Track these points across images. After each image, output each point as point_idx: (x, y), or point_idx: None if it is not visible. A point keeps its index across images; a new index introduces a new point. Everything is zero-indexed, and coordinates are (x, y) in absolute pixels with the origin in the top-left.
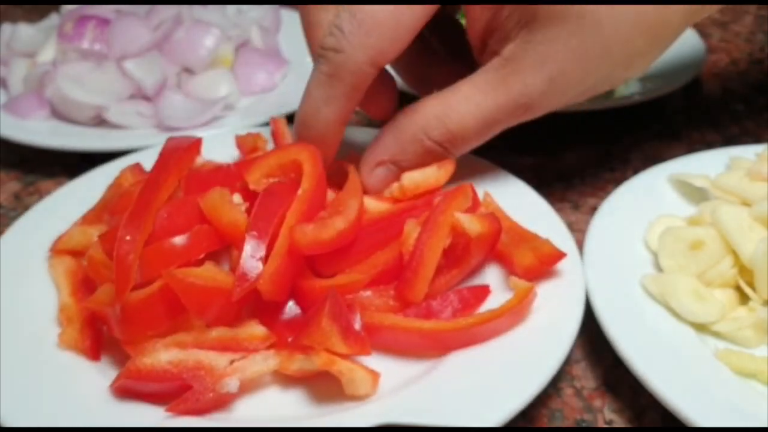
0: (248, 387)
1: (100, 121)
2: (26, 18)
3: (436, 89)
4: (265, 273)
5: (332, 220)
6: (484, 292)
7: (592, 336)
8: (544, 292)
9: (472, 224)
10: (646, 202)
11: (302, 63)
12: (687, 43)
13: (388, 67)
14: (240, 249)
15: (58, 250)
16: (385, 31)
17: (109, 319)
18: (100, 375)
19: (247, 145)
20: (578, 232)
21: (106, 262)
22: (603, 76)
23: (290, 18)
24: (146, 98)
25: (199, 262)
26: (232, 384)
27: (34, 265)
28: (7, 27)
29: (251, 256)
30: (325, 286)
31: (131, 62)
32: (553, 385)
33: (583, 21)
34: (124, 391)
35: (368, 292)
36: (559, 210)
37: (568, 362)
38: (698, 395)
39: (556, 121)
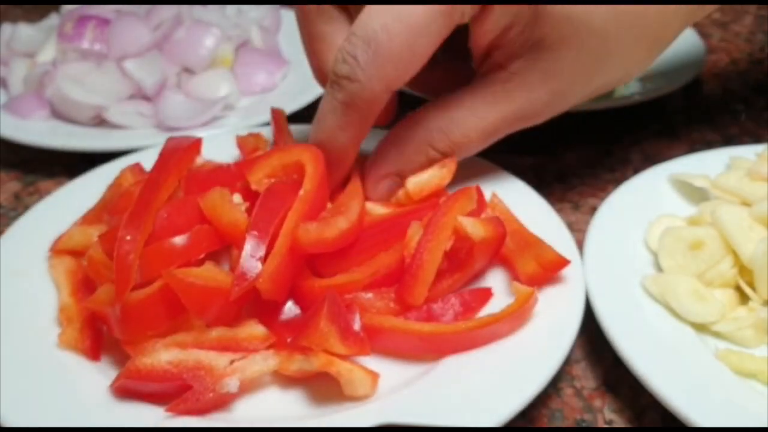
0: (248, 387)
1: (100, 121)
2: (26, 18)
3: (432, 89)
4: (264, 272)
5: (335, 220)
6: (485, 295)
7: (592, 336)
8: (544, 291)
9: (475, 228)
10: (646, 202)
11: (302, 63)
12: (687, 43)
13: None
14: (240, 249)
15: (58, 250)
16: (400, 61)
17: (109, 319)
18: (100, 375)
19: (248, 145)
20: (578, 232)
21: (106, 262)
22: (605, 82)
23: (290, 18)
24: (146, 98)
25: (199, 262)
26: (232, 384)
27: (34, 265)
28: (7, 27)
29: (251, 255)
30: (325, 286)
31: (131, 62)
32: (553, 385)
33: (593, 40)
34: (124, 391)
35: (369, 294)
36: (559, 210)
37: (568, 362)
38: (698, 395)
39: (556, 121)
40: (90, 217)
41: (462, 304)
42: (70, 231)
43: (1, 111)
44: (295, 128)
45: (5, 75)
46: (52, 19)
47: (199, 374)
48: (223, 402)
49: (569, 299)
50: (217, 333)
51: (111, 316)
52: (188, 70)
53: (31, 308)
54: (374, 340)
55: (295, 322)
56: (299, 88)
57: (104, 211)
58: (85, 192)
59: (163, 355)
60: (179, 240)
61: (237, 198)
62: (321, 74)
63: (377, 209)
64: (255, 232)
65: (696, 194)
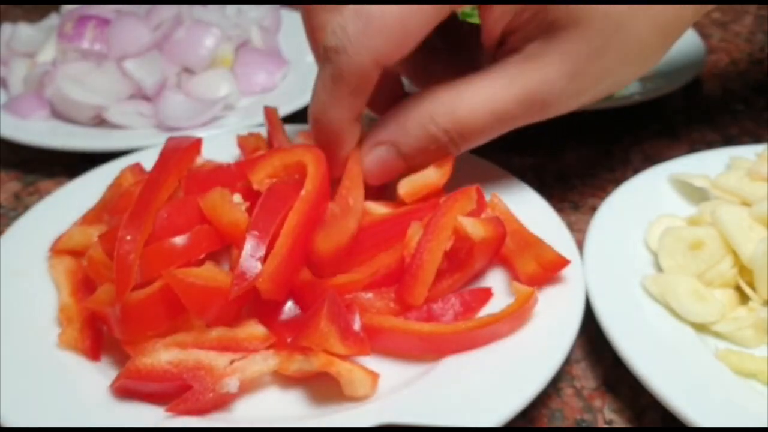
0: (248, 387)
1: (100, 121)
2: (26, 18)
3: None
4: (264, 272)
5: (345, 222)
6: (485, 295)
7: (592, 336)
8: (544, 291)
9: (475, 228)
10: (646, 202)
11: (302, 63)
12: (687, 43)
13: None
14: (240, 249)
15: (58, 250)
16: (390, 35)
17: (109, 319)
18: (100, 375)
19: (248, 145)
20: (578, 232)
21: (106, 262)
22: (619, 76)
23: (290, 18)
24: (146, 98)
25: (200, 262)
26: (232, 384)
27: (34, 265)
28: (7, 27)
29: (251, 255)
30: (325, 286)
31: (131, 62)
32: (553, 385)
33: (607, 22)
34: (124, 391)
35: (369, 294)
36: (559, 210)
37: (568, 362)
38: (698, 395)
39: (556, 121)
40: (90, 217)
41: (462, 304)
42: (70, 231)
43: (1, 111)
44: (295, 128)
45: (5, 75)
46: (52, 19)
47: (199, 374)
48: (223, 402)
49: (569, 299)
50: (217, 333)
51: (111, 316)
52: (188, 70)
53: (31, 308)
54: (374, 340)
55: (295, 322)
56: (299, 88)
57: (104, 211)
58: (85, 192)
59: (163, 355)
60: (179, 240)
61: (237, 198)
62: None
63: (377, 209)
64: (255, 232)
65: (696, 194)
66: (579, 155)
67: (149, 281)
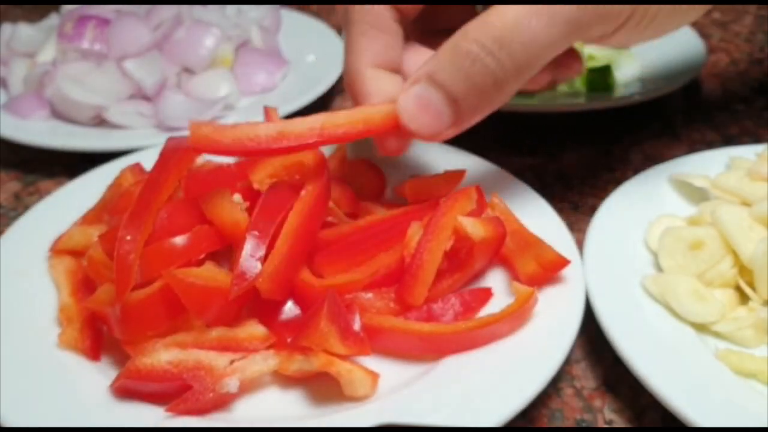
0: (248, 387)
1: (100, 121)
2: (26, 18)
3: None
4: (264, 272)
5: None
6: (486, 295)
7: (592, 336)
8: (544, 291)
9: (475, 228)
10: (646, 202)
11: (302, 63)
12: (687, 43)
13: None
14: (240, 249)
15: (58, 250)
16: None
17: (109, 319)
18: (100, 375)
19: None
20: (578, 232)
21: (106, 262)
22: (675, 16)
23: (290, 18)
24: (146, 98)
25: (200, 262)
26: (232, 384)
27: (34, 265)
28: (7, 27)
29: (250, 255)
30: (325, 286)
31: (131, 62)
32: (553, 385)
33: None
34: (124, 391)
35: (369, 294)
36: (559, 210)
37: (568, 362)
38: (698, 395)
39: (556, 121)
40: (90, 217)
41: (462, 304)
42: (70, 231)
43: (1, 111)
44: None
45: (5, 75)
46: (52, 19)
47: (199, 374)
48: (223, 402)
49: (569, 299)
50: (217, 333)
51: (111, 316)
52: (188, 70)
53: (31, 308)
54: (374, 340)
55: (295, 322)
56: (299, 88)
57: (104, 211)
58: (85, 192)
59: (163, 355)
60: (179, 240)
61: (237, 198)
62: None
63: (377, 209)
64: (255, 232)
65: (696, 194)
66: (579, 155)
67: (149, 281)
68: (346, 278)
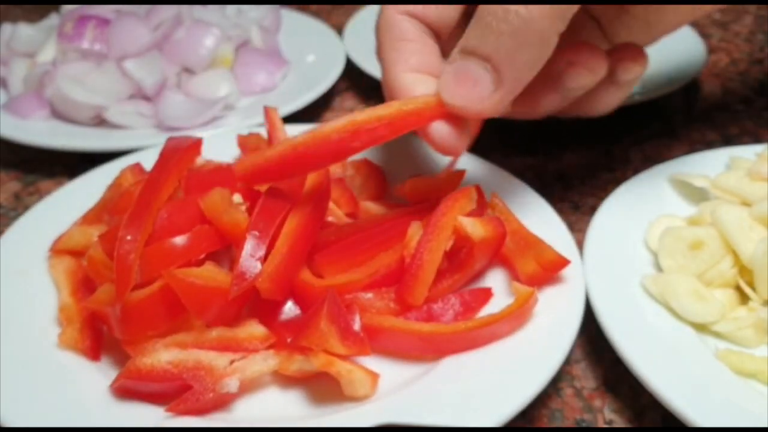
0: (248, 387)
1: (100, 121)
2: (26, 18)
3: None
4: (264, 272)
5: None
6: (486, 295)
7: (592, 336)
8: (544, 291)
9: (475, 228)
10: (646, 202)
11: (302, 63)
12: (687, 43)
13: None
14: (240, 249)
15: (58, 250)
16: None
17: (109, 319)
18: (100, 375)
19: (249, 145)
20: (578, 232)
21: (106, 262)
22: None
23: (290, 18)
24: (146, 98)
25: (200, 262)
26: (232, 384)
27: (34, 265)
28: (7, 27)
29: (251, 255)
30: (325, 286)
31: (131, 62)
32: (553, 385)
33: None
34: (124, 391)
35: (369, 294)
36: (559, 210)
37: (568, 362)
38: (698, 395)
39: (556, 121)
40: (90, 217)
41: (462, 304)
42: (70, 231)
43: (1, 111)
44: (295, 128)
45: (5, 75)
46: (52, 19)
47: (199, 374)
48: (223, 402)
49: (569, 299)
50: (217, 333)
51: (111, 316)
52: (188, 70)
53: (31, 308)
54: (374, 340)
55: (295, 322)
56: (299, 88)
57: (104, 211)
58: (85, 192)
59: (163, 355)
60: (179, 240)
61: (237, 198)
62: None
63: (377, 209)
64: (255, 232)
65: (696, 194)
66: (579, 155)
67: (149, 281)
68: (346, 278)
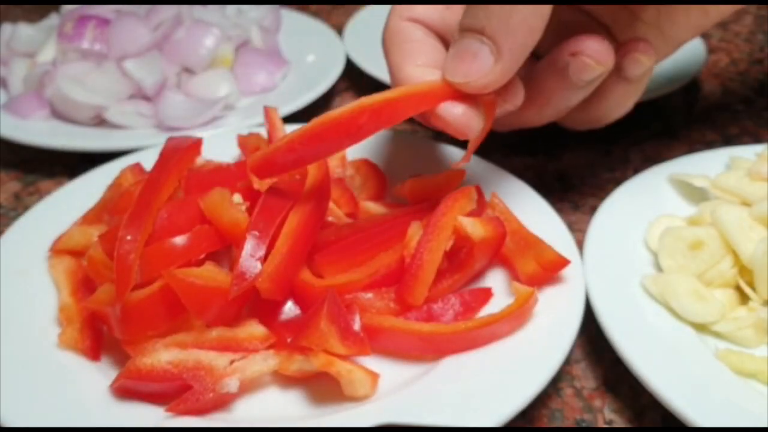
0: (248, 387)
1: (100, 121)
2: (26, 18)
3: None
4: (264, 272)
5: None
6: (486, 295)
7: (592, 336)
8: (544, 291)
9: (475, 228)
10: (646, 202)
11: (302, 63)
12: (687, 43)
13: None
14: (240, 249)
15: (58, 250)
16: None
17: (109, 319)
18: (100, 375)
19: (248, 145)
20: (578, 232)
21: (106, 262)
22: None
23: (290, 18)
24: (146, 98)
25: (200, 262)
26: (232, 384)
27: (34, 265)
28: (7, 27)
29: (251, 255)
30: (325, 286)
31: (131, 62)
32: (553, 385)
33: None
34: (124, 391)
35: (369, 294)
36: (559, 210)
37: (568, 362)
38: (698, 395)
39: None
40: (90, 217)
41: (462, 304)
42: (70, 231)
43: (1, 111)
44: (295, 128)
45: (5, 75)
46: (52, 19)
47: (199, 374)
48: (223, 402)
49: (569, 299)
50: (217, 333)
51: (111, 316)
52: (188, 70)
53: (31, 308)
54: (374, 340)
55: (295, 322)
56: (299, 88)
57: (104, 211)
58: (85, 192)
59: (163, 355)
60: (179, 240)
61: (237, 198)
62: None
63: (377, 209)
64: (255, 232)
65: (696, 194)
66: (579, 155)
67: (149, 281)
68: (346, 278)
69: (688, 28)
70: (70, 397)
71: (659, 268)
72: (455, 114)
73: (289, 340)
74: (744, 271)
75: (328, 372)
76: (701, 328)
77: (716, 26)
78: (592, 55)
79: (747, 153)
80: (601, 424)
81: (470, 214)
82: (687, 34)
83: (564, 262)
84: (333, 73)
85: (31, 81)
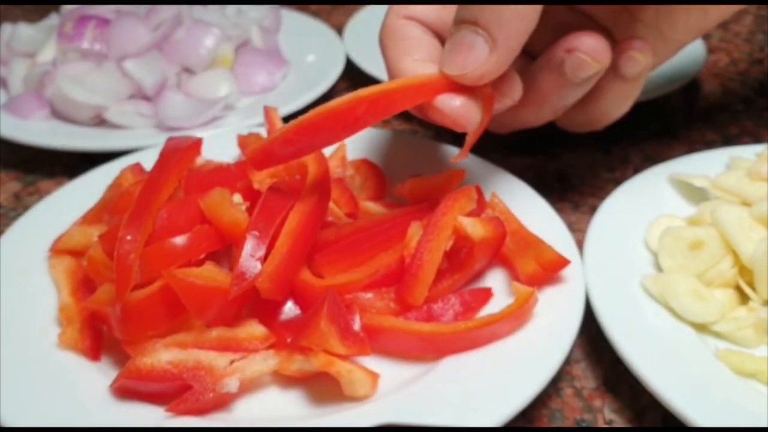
0: (248, 387)
1: (100, 121)
2: (26, 18)
3: None
4: (264, 272)
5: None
6: (486, 295)
7: (592, 336)
8: (544, 291)
9: (475, 228)
10: (646, 202)
11: (302, 63)
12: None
13: None
14: (240, 249)
15: (58, 250)
16: None
17: (109, 319)
18: (100, 375)
19: (248, 145)
20: (578, 232)
21: (106, 262)
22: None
23: (290, 18)
24: (146, 98)
25: (200, 262)
26: (232, 384)
27: (34, 265)
28: (7, 27)
29: (251, 255)
30: (325, 286)
31: (131, 62)
32: (553, 385)
33: None
34: (124, 391)
35: (369, 294)
36: (559, 210)
37: (568, 362)
38: (698, 395)
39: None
40: (90, 217)
41: (462, 304)
42: (70, 231)
43: (1, 111)
44: None
45: (5, 75)
46: (52, 19)
47: (199, 374)
48: (223, 402)
49: (569, 299)
50: (217, 333)
51: (111, 316)
52: (188, 70)
53: (31, 308)
54: (374, 340)
55: (295, 322)
56: (299, 88)
57: (104, 211)
58: (85, 192)
59: (163, 355)
60: (179, 240)
61: (237, 198)
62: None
63: (377, 209)
64: (255, 232)
65: (696, 194)
66: (579, 155)
67: (149, 281)
68: (346, 278)
69: (687, 30)
70: (70, 397)
71: (659, 268)
72: (453, 106)
73: (289, 340)
74: (744, 271)
75: (328, 372)
76: (701, 328)
77: (716, 26)
78: (588, 52)
79: (747, 153)
80: (601, 424)
81: (470, 214)
82: (687, 36)
83: (564, 262)
84: (333, 73)
85: (31, 81)
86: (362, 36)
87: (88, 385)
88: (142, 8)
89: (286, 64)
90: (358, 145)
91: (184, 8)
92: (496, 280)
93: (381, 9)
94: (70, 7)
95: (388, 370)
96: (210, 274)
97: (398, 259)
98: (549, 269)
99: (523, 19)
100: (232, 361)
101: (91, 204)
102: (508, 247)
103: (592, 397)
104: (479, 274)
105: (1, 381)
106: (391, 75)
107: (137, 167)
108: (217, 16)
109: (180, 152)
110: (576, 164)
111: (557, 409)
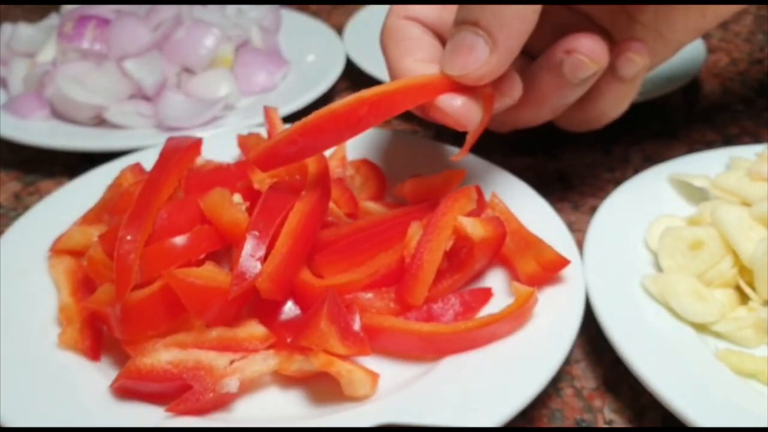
0: (248, 387)
1: (100, 121)
2: (26, 18)
3: None
4: (264, 272)
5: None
6: (486, 295)
7: (592, 336)
8: (544, 291)
9: (475, 228)
10: (646, 202)
11: (302, 63)
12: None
13: None
14: (240, 249)
15: (58, 250)
16: None
17: (109, 319)
18: (100, 375)
19: (248, 145)
20: (578, 232)
21: (106, 262)
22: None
23: (290, 18)
24: (146, 98)
25: (200, 262)
26: (232, 384)
27: (34, 265)
28: (7, 27)
29: (251, 255)
30: (325, 286)
31: (131, 62)
32: (553, 385)
33: None
34: (124, 391)
35: (369, 294)
36: (559, 210)
37: (568, 362)
38: (698, 395)
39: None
40: (90, 217)
41: (462, 304)
42: (70, 231)
43: (1, 111)
44: None
45: (5, 75)
46: (52, 19)
47: (199, 374)
48: (223, 402)
49: (569, 299)
50: (217, 333)
51: (111, 316)
52: (188, 70)
53: (31, 308)
54: (374, 340)
55: (295, 322)
56: (299, 88)
57: (104, 211)
58: (85, 192)
59: (163, 355)
60: (179, 240)
61: (237, 198)
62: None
63: (377, 209)
64: (255, 232)
65: (696, 194)
66: (579, 155)
67: (149, 281)
68: (346, 278)
69: (686, 31)
70: (70, 397)
71: (659, 268)
72: (454, 105)
73: (289, 340)
74: (744, 271)
75: (328, 372)
76: (701, 328)
77: (715, 27)
78: (587, 53)
79: (747, 153)
80: (601, 424)
81: (470, 214)
82: (686, 37)
83: (564, 262)
84: (333, 73)
85: (31, 81)
86: (362, 36)
87: (88, 385)
88: (142, 8)
89: (286, 64)
90: (358, 145)
91: (184, 8)
92: (496, 280)
93: (381, 9)
94: (70, 7)
95: (388, 370)
96: (210, 274)
97: (398, 259)
98: (549, 269)
99: (522, 20)
100: (232, 361)
101: (91, 204)
102: (508, 247)
103: (592, 397)
104: (479, 274)
105: (1, 381)
106: (393, 75)
107: (137, 167)
108: (217, 16)
109: (180, 152)
110: (576, 164)
111: (557, 409)
